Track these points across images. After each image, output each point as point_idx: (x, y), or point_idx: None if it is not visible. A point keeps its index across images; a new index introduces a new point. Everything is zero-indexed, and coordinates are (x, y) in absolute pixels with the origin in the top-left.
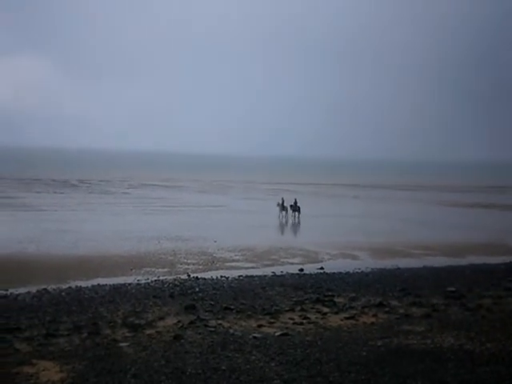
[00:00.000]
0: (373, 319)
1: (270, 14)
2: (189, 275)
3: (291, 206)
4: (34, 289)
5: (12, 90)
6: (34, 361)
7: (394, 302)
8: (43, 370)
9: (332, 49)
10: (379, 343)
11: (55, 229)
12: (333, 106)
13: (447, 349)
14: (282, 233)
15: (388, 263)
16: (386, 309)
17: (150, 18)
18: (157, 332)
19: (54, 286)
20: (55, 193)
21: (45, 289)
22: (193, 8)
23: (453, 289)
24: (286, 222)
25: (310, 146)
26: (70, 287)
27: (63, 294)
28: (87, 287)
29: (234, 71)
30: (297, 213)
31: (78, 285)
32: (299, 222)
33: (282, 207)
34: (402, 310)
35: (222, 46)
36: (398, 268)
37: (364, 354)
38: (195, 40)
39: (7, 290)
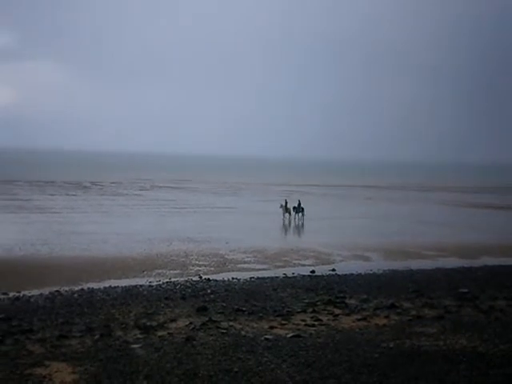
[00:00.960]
0: (385, 321)
1: (279, 14)
2: (200, 277)
3: (294, 207)
4: (46, 291)
5: (27, 93)
6: (47, 362)
7: (407, 304)
8: (56, 372)
9: (341, 50)
10: (391, 345)
11: (68, 231)
12: (343, 107)
13: (460, 351)
14: (294, 234)
15: (400, 264)
16: (398, 310)
17: (161, 23)
18: (169, 334)
19: (66, 288)
20: (68, 195)
21: (57, 291)
22: (205, 12)
23: (465, 290)
24: (290, 224)
25: (320, 147)
26: (82, 289)
27: (75, 295)
28: (99, 289)
29: (243, 74)
30: (300, 214)
31: (91, 287)
32: (303, 224)
33: (286, 209)
34: (414, 312)
35: (227, 48)
36: (411, 269)
37: (376, 355)
38: (205, 44)
39: (20, 292)
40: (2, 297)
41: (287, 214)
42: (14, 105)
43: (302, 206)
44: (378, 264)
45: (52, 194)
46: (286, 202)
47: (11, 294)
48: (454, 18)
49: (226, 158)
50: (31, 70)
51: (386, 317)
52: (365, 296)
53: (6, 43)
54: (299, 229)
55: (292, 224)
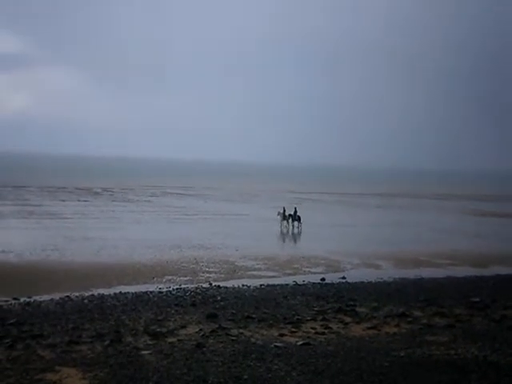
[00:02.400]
0: (395, 329)
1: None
2: (210, 284)
3: (290, 215)
4: (57, 296)
5: (39, 98)
6: (57, 368)
7: (417, 312)
8: (66, 377)
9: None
10: (402, 353)
11: (78, 237)
12: (353, 114)
13: (471, 360)
14: (304, 242)
15: (411, 273)
16: (409, 319)
17: (175, 30)
18: (178, 340)
19: (76, 294)
20: (79, 201)
21: (68, 296)
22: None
23: (477, 299)
24: (288, 232)
25: (331, 154)
26: (92, 295)
27: (86, 301)
28: (110, 295)
29: (254, 81)
30: (296, 222)
31: (101, 292)
32: (300, 232)
33: (284, 216)
34: (424, 320)
35: (235, 56)
36: (421, 278)
37: (386, 364)
38: (216, 49)
39: (31, 297)
40: (13, 302)
41: (285, 222)
42: (26, 110)
43: (298, 214)
44: (388, 272)
45: (63, 200)
46: (284, 210)
47: (22, 299)
48: (453, 17)
49: (247, 165)
50: (43, 76)
51: (397, 325)
52: (375, 304)
53: (20, 48)
54: (309, 236)
55: (290, 232)
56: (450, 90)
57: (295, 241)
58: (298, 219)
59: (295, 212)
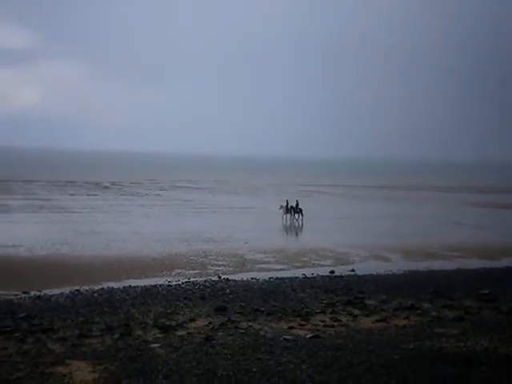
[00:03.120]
0: (404, 322)
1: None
2: (219, 277)
3: (292, 207)
4: (67, 290)
5: (48, 93)
6: (68, 361)
7: (426, 305)
8: (76, 370)
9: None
10: (411, 346)
11: (88, 231)
12: (357, 107)
13: (481, 352)
14: (312, 234)
15: (420, 265)
16: (418, 311)
17: (189, 28)
18: (188, 333)
19: (86, 287)
20: (88, 195)
21: (78, 290)
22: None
23: (486, 291)
24: (291, 225)
25: (336, 147)
26: (102, 288)
27: (95, 295)
28: (119, 288)
29: (262, 77)
30: (297, 215)
31: (110, 286)
32: (302, 225)
33: (286, 210)
34: (434, 313)
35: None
36: (431, 270)
37: (396, 357)
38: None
39: (41, 291)
40: (24, 296)
41: (288, 215)
42: (35, 105)
43: (299, 206)
44: (397, 264)
45: (72, 194)
46: (287, 203)
47: (32, 293)
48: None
49: (255, 159)
50: (53, 71)
51: (406, 318)
52: (384, 297)
53: (25, 44)
54: (317, 229)
55: (294, 225)
56: (450, 89)
57: (304, 234)
58: (300, 212)
59: (297, 205)
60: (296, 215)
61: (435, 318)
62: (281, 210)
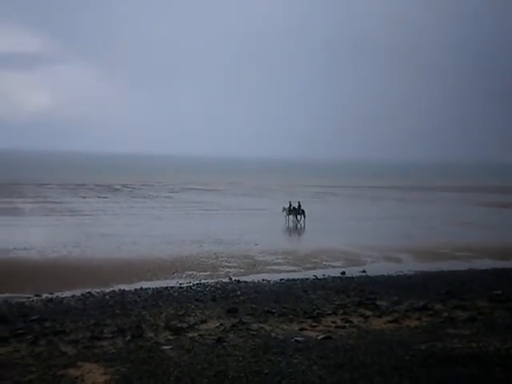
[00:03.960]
0: (416, 322)
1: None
2: (230, 278)
3: (294, 208)
4: (78, 292)
5: (59, 96)
6: (80, 363)
7: (438, 305)
8: (88, 373)
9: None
10: (423, 347)
11: (99, 233)
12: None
13: (493, 353)
14: (323, 236)
15: (432, 266)
16: (430, 312)
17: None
18: (199, 335)
19: (98, 290)
20: (99, 197)
21: (89, 292)
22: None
23: (499, 292)
24: (294, 226)
25: (349, 148)
26: (113, 291)
27: (107, 297)
28: (130, 291)
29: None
30: (300, 216)
31: (122, 288)
32: (304, 226)
33: (289, 211)
34: (446, 314)
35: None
36: (442, 271)
37: (407, 357)
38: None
39: (53, 294)
40: (36, 298)
41: (291, 216)
42: (47, 108)
43: (302, 208)
44: (408, 265)
45: (83, 197)
46: (290, 204)
47: (44, 296)
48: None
49: (264, 160)
50: (65, 74)
51: (418, 318)
52: (396, 298)
53: (42, 47)
54: (328, 230)
55: (297, 226)
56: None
57: (314, 235)
58: (302, 213)
59: (299, 206)
60: (298, 216)
61: (447, 318)
62: (284, 212)
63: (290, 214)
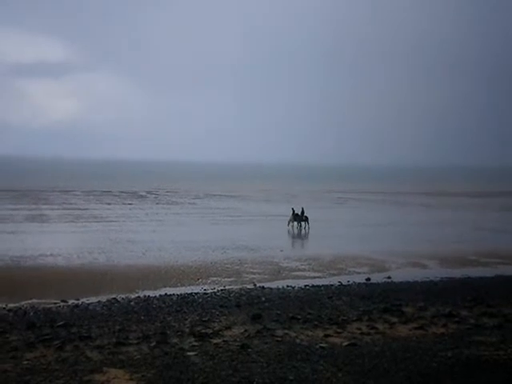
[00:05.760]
0: (442, 329)
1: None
2: (255, 285)
3: (297, 215)
4: (104, 298)
5: (85, 104)
6: (105, 369)
7: (465, 312)
8: (114, 378)
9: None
10: (449, 354)
11: (124, 239)
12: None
13: None
14: (348, 242)
15: (458, 272)
16: (456, 319)
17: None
18: (224, 341)
19: (123, 296)
20: (124, 204)
21: (114, 298)
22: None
23: None
24: (299, 233)
25: (371, 154)
26: (138, 297)
27: (132, 303)
28: (155, 297)
29: (295, 82)
30: (303, 223)
31: (147, 294)
32: (308, 232)
33: (293, 217)
34: (472, 320)
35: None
36: (469, 277)
37: (434, 364)
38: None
39: (79, 300)
40: (62, 304)
41: (295, 223)
42: (72, 116)
43: (305, 214)
44: (434, 271)
45: (108, 204)
46: (293, 211)
47: (70, 302)
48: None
49: (288, 166)
50: (89, 82)
51: (444, 325)
52: (422, 304)
53: (68, 55)
54: (354, 236)
55: (300, 232)
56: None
57: (339, 241)
58: (306, 219)
59: (302, 212)
60: (302, 223)
61: (474, 325)
62: (287, 218)
63: (294, 220)
